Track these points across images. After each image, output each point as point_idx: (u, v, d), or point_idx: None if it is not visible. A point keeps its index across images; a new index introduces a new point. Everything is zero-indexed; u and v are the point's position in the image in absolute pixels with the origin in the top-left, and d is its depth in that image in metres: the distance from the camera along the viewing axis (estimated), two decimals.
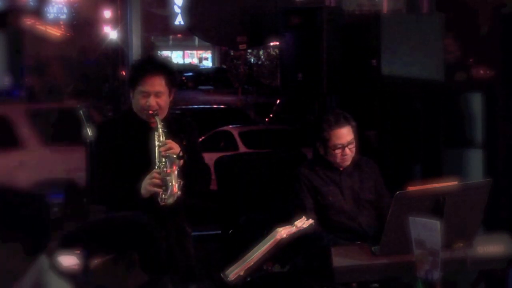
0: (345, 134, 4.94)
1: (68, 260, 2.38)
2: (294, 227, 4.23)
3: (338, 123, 4.94)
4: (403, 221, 4.09)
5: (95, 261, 2.38)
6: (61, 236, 2.50)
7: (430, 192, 4.33)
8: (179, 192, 4.16)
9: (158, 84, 4.30)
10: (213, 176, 5.41)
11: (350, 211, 4.94)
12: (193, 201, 4.42)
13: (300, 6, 9.23)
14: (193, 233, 4.61)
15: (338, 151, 4.93)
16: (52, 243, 2.54)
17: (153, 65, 4.36)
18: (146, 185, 4.17)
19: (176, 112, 4.56)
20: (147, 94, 4.28)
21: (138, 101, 4.31)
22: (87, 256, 2.38)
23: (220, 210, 5.71)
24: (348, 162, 4.99)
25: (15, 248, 2.51)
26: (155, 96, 4.28)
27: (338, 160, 4.96)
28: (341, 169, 5.01)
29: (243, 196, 5.62)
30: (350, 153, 4.96)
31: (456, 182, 4.45)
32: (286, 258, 4.51)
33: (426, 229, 3.95)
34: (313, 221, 4.33)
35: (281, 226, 4.22)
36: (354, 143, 4.97)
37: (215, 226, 6.22)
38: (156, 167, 4.18)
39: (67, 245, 2.44)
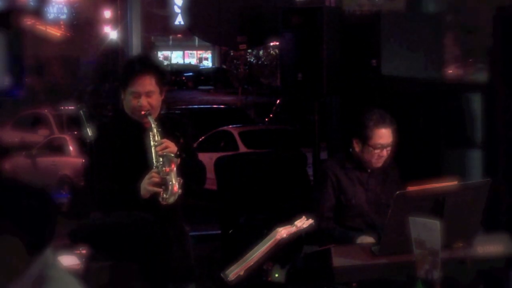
0: (387, 135, 4.89)
1: (68, 260, 2.31)
2: (294, 227, 4.22)
3: (383, 123, 4.89)
4: (403, 221, 4.08)
5: (94, 264, 2.30)
6: (70, 229, 2.38)
7: (430, 192, 4.33)
8: (179, 191, 4.14)
9: (148, 84, 4.26)
10: (213, 176, 5.42)
11: (368, 214, 4.92)
12: (193, 201, 4.41)
13: (300, 6, 9.23)
14: (193, 233, 4.60)
15: (377, 151, 4.88)
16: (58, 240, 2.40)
17: (142, 65, 4.32)
18: (146, 185, 4.14)
19: (176, 112, 4.54)
20: (138, 95, 4.25)
21: (129, 102, 4.28)
22: (90, 257, 2.29)
23: (220, 210, 5.71)
24: (381, 164, 4.93)
25: (14, 242, 2.25)
26: (146, 96, 4.25)
27: (374, 160, 4.90)
28: (369, 170, 4.96)
29: (243, 196, 5.61)
30: (386, 155, 4.91)
31: (456, 182, 4.45)
32: (286, 258, 4.51)
33: (426, 229, 3.95)
34: (313, 221, 4.32)
35: (281, 226, 4.21)
36: (391, 147, 4.92)
37: (215, 226, 6.23)
38: (154, 167, 4.16)
39: (75, 240, 2.33)
